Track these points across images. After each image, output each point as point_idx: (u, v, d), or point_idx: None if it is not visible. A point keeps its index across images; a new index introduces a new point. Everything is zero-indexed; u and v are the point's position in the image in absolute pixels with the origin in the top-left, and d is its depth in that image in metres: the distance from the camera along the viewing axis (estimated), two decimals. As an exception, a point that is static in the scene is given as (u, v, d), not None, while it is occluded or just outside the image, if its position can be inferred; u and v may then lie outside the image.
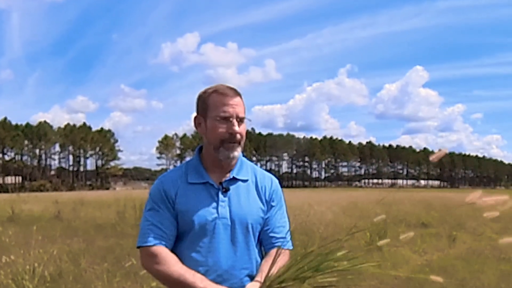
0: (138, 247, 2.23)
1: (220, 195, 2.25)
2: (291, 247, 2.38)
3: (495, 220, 17.22)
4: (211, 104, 2.22)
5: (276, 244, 2.31)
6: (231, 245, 2.22)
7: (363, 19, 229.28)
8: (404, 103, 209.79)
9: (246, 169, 2.37)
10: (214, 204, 2.23)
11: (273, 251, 2.27)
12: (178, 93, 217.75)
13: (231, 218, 2.23)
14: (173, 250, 2.22)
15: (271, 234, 2.34)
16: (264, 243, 2.35)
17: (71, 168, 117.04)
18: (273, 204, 2.38)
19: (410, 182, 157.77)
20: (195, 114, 2.32)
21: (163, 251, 2.16)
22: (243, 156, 2.40)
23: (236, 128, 2.19)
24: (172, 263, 2.12)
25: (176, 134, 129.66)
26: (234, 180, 2.30)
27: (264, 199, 2.35)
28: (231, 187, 2.28)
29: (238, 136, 2.21)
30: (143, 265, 2.24)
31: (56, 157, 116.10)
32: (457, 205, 23.50)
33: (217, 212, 2.21)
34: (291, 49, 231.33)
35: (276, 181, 2.46)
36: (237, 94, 2.24)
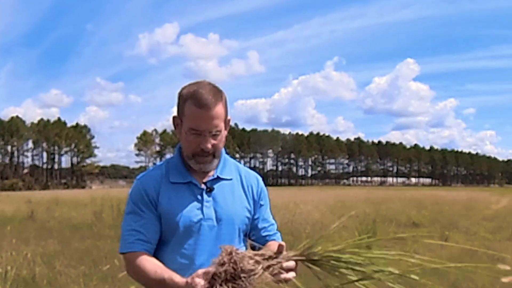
0: (121, 253, 2.22)
1: (205, 195, 2.24)
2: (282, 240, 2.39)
3: (489, 220, 17.41)
4: (186, 112, 2.16)
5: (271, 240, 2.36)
6: (216, 246, 2.16)
7: (353, 10, 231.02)
8: (394, 98, 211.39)
9: (230, 167, 2.37)
10: (199, 205, 2.22)
11: (271, 242, 2.32)
12: (157, 86, 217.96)
13: (216, 219, 2.22)
14: (157, 253, 2.22)
15: (265, 233, 2.37)
16: (258, 242, 2.34)
17: (45, 166, 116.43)
18: (262, 203, 2.40)
19: (400, 180, 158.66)
20: (175, 112, 2.29)
21: (143, 257, 2.14)
22: (226, 153, 2.38)
23: (208, 145, 2.15)
24: (150, 268, 2.10)
25: (155, 130, 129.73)
26: (218, 179, 2.29)
27: (251, 198, 2.37)
28: (215, 186, 2.27)
29: (211, 150, 2.18)
30: (127, 272, 2.23)
31: (29, 154, 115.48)
32: (449, 203, 23.70)
33: (202, 213, 2.20)
34: (276, 40, 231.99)
35: (261, 179, 2.46)
36: (216, 103, 2.14)
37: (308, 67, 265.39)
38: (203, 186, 2.26)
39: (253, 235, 2.37)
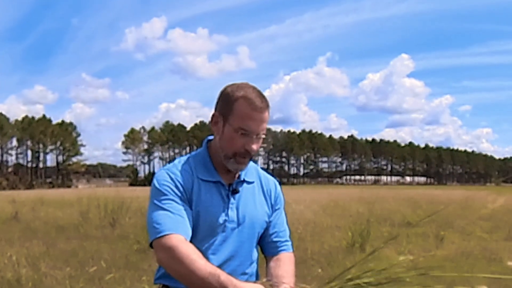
0: (152, 242, 2.06)
1: (230, 197, 2.26)
2: (292, 249, 2.43)
3: (485, 219, 17.49)
4: (236, 111, 2.16)
5: (282, 248, 2.37)
6: (236, 249, 2.24)
7: (346, 4, 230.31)
8: (388, 94, 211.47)
9: (251, 170, 2.39)
10: (224, 206, 2.24)
11: (282, 255, 2.34)
12: (145, 82, 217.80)
13: (238, 221, 2.25)
14: None
15: (276, 239, 2.38)
16: (267, 246, 2.38)
17: (29, 165, 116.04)
18: (276, 208, 2.43)
19: (394, 178, 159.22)
20: (213, 110, 2.27)
21: (185, 242, 2.01)
22: None
23: (254, 146, 2.18)
24: (197, 257, 1.96)
25: (143, 128, 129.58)
26: (242, 181, 2.32)
27: (270, 203, 2.40)
28: (240, 189, 2.30)
29: (253, 153, 2.20)
30: (160, 261, 2.07)
31: (13, 152, 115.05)
32: (445, 203, 23.76)
33: (227, 215, 2.23)
34: (268, 35, 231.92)
35: (278, 184, 2.50)
36: (267, 108, 2.20)
37: (300, 63, 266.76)
38: (229, 187, 2.28)
39: (264, 239, 2.39)
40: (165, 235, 2.01)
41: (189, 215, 2.14)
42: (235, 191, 2.27)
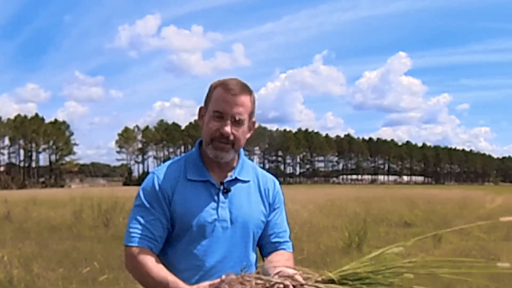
0: (124, 246, 2.21)
1: (221, 196, 2.26)
2: (292, 251, 2.42)
3: (483, 219, 17.49)
4: (213, 97, 2.22)
5: (281, 248, 2.37)
6: (229, 250, 2.23)
7: (343, 2, 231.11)
8: (385, 93, 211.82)
9: (247, 169, 2.39)
10: (214, 205, 2.24)
11: (280, 251, 2.34)
12: (139, 80, 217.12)
13: (231, 221, 2.24)
14: (166, 252, 2.24)
15: (275, 239, 2.38)
16: (266, 247, 2.38)
17: (22, 164, 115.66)
18: (275, 207, 2.42)
19: (391, 178, 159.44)
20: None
21: (146, 253, 2.15)
22: (244, 155, 2.41)
23: (227, 128, 2.18)
24: (152, 267, 2.11)
25: (137, 126, 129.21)
26: (236, 180, 2.31)
27: (267, 202, 2.39)
28: (232, 188, 2.29)
29: (231, 137, 2.19)
30: (125, 266, 2.22)
31: (5, 151, 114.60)
32: (442, 202, 23.80)
33: (217, 214, 2.22)
34: (263, 33, 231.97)
35: (277, 182, 2.49)
36: (244, 92, 2.23)
37: (296, 61, 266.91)
38: (220, 186, 2.27)
39: (262, 240, 2.38)
40: (131, 245, 2.17)
41: (162, 223, 2.20)
42: (226, 190, 2.27)
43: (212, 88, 2.25)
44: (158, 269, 2.10)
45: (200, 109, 2.32)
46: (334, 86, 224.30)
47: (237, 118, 2.19)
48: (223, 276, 1.86)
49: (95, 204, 16.70)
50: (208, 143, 2.23)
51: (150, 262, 2.12)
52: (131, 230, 2.19)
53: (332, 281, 1.89)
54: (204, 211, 2.21)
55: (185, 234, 2.21)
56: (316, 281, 1.88)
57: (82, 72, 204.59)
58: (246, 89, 2.24)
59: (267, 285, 1.83)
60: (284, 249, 2.36)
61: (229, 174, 2.31)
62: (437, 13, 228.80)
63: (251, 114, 2.28)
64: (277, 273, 1.92)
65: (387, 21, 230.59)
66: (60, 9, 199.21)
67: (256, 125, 2.38)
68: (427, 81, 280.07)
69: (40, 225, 15.22)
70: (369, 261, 1.98)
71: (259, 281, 1.84)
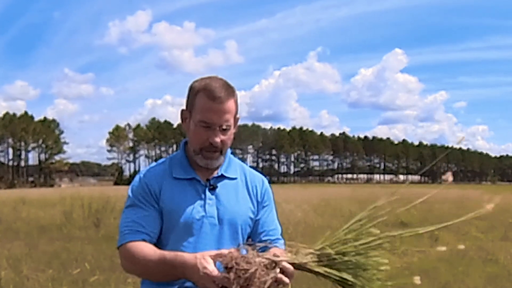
0: (118, 248, 2.21)
1: (208, 193, 2.27)
2: (285, 248, 2.40)
3: (481, 219, 17.55)
4: (197, 104, 2.21)
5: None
6: (218, 246, 2.22)
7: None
8: (381, 90, 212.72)
9: (235, 167, 2.41)
10: (201, 202, 2.25)
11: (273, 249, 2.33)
12: (130, 78, 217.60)
13: (218, 217, 2.26)
14: None
15: (266, 237, 2.38)
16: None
17: (10, 163, 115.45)
18: (264, 205, 2.44)
19: (387, 177, 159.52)
20: (184, 106, 2.32)
21: (139, 243, 2.14)
22: (231, 153, 2.43)
23: (217, 139, 2.19)
24: (148, 250, 2.11)
25: (128, 125, 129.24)
26: (222, 177, 2.33)
27: (255, 200, 2.40)
28: (219, 185, 2.31)
29: (219, 145, 2.21)
30: (123, 267, 2.23)
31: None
32: (439, 202, 23.85)
33: (204, 211, 2.24)
34: (257, 29, 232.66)
35: (266, 181, 2.51)
36: (229, 97, 2.21)
37: (290, 57, 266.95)
38: (206, 183, 2.29)
39: (253, 238, 2.37)
40: (124, 243, 2.16)
41: (155, 219, 2.22)
42: (213, 187, 2.28)
43: (194, 91, 2.23)
44: (153, 250, 2.10)
45: (182, 111, 2.32)
46: (329, 84, 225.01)
47: (224, 126, 2.20)
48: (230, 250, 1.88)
49: (86, 204, 16.70)
50: (197, 152, 2.25)
51: (145, 248, 2.11)
52: (123, 229, 2.20)
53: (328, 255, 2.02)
54: (191, 207, 2.22)
55: (173, 232, 2.22)
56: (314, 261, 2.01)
57: (71, 69, 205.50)
58: (230, 92, 2.23)
59: (273, 264, 1.87)
60: (276, 246, 2.33)
61: (215, 172, 2.32)
62: (434, 9, 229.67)
63: (235, 115, 2.28)
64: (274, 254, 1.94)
65: (383, 17, 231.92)
66: (50, 5, 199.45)
67: (239, 120, 2.36)
68: (423, 78, 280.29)
69: (30, 225, 15.18)
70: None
71: (263, 260, 1.87)
